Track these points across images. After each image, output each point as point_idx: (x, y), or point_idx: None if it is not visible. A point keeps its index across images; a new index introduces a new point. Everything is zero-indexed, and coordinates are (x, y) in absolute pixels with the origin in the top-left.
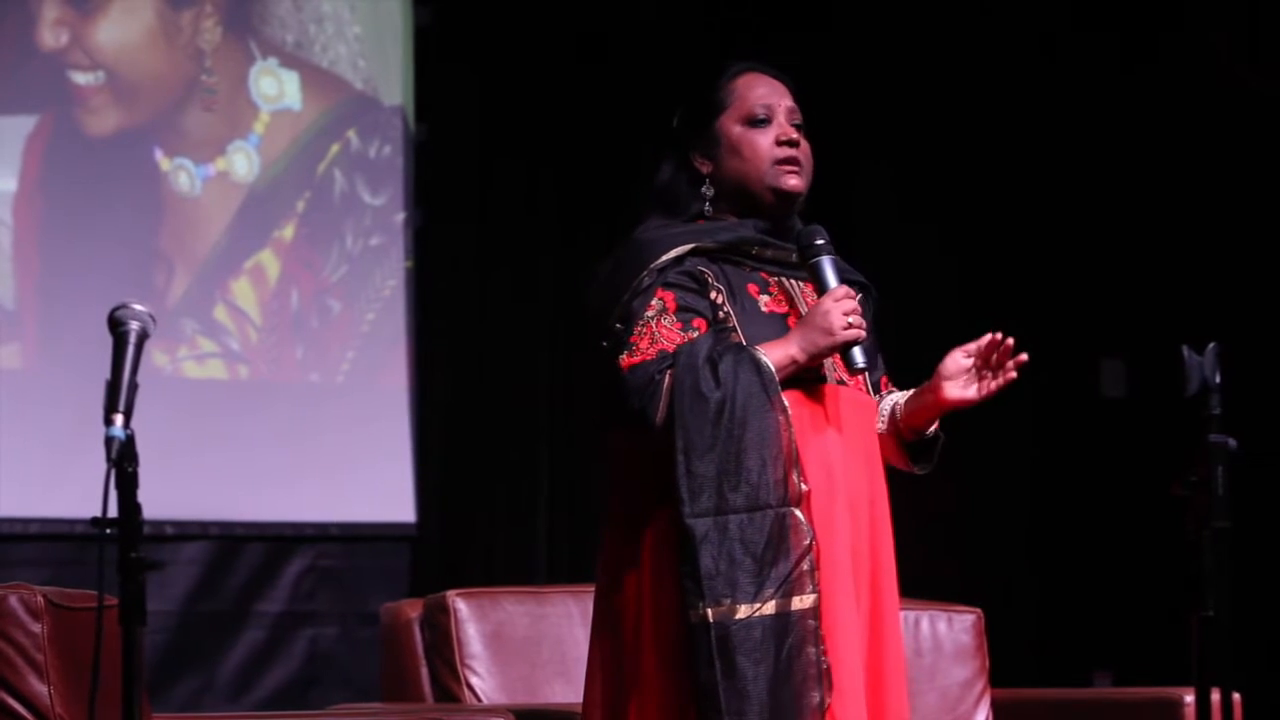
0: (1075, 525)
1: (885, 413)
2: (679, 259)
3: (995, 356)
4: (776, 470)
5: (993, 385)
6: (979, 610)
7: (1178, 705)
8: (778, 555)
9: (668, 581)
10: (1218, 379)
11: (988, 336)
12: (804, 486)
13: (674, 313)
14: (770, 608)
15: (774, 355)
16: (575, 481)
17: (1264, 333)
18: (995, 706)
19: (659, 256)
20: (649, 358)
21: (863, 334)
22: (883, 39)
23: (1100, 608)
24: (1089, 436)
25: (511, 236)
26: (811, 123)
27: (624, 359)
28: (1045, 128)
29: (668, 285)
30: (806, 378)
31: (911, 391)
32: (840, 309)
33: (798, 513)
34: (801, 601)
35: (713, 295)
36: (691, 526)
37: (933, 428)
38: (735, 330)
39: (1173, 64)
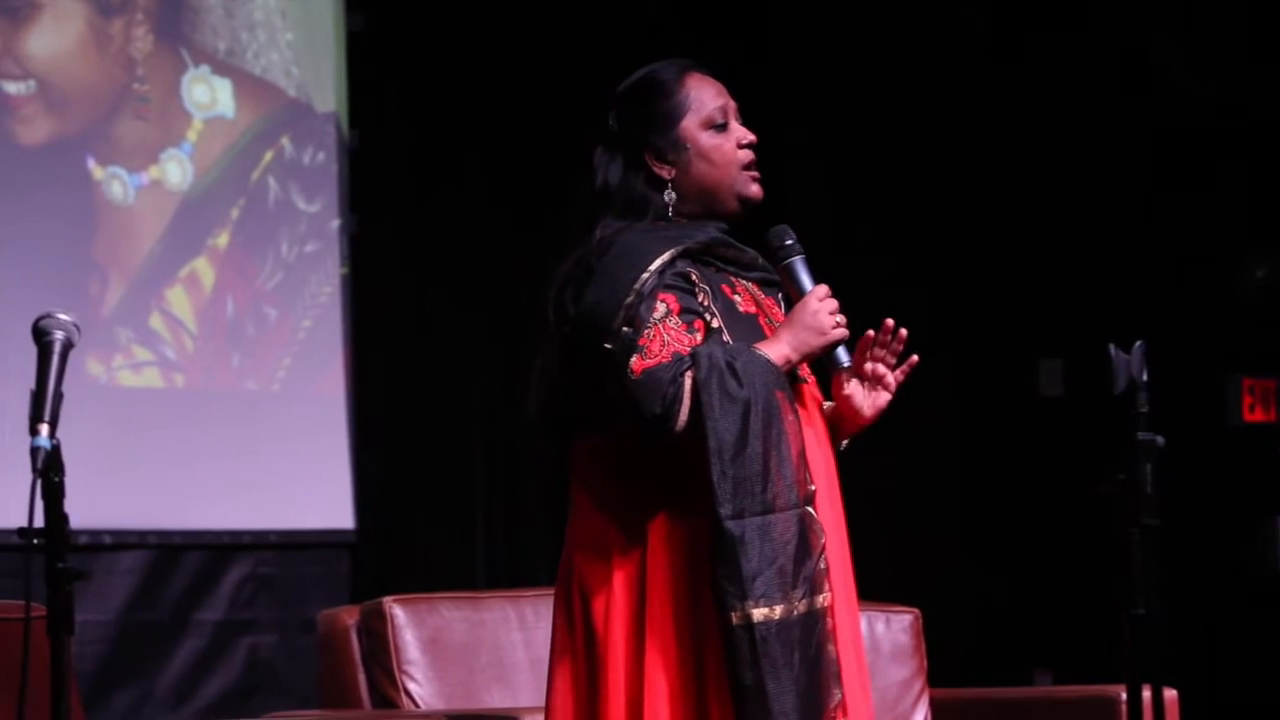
0: (1016, 523)
1: None
2: (671, 260)
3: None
4: (797, 470)
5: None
6: (917, 610)
7: (1114, 703)
8: (804, 554)
9: (688, 583)
10: (1145, 376)
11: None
12: (812, 486)
13: (678, 314)
14: (803, 606)
15: (773, 356)
16: (513, 487)
17: (1196, 330)
18: (934, 706)
19: (654, 258)
20: (664, 360)
21: (848, 333)
22: (821, 35)
23: (1042, 606)
24: (1028, 436)
25: (447, 241)
26: (747, 119)
27: (635, 362)
28: (984, 130)
29: (668, 287)
30: (789, 378)
31: None
32: (826, 308)
33: (811, 511)
34: (823, 600)
35: (699, 297)
36: (730, 529)
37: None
38: (722, 330)
39: (1107, 67)
